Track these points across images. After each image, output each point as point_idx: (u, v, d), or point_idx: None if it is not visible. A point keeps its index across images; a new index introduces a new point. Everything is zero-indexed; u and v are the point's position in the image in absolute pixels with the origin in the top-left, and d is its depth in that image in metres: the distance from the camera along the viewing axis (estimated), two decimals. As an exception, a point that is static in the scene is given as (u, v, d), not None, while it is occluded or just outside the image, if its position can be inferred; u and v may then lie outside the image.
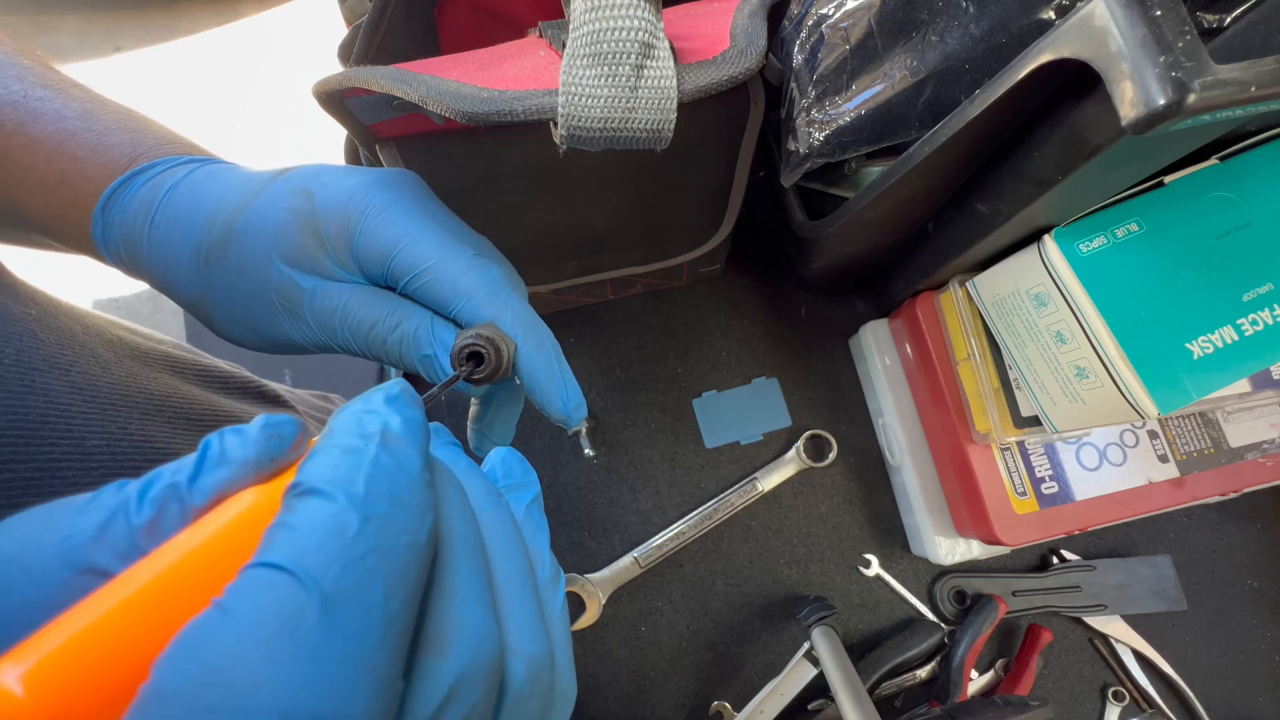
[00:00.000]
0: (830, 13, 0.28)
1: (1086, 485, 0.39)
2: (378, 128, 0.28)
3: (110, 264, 0.25)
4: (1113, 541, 0.46)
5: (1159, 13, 0.17)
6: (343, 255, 0.23)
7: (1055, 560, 0.46)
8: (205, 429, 0.31)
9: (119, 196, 0.24)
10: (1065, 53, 0.19)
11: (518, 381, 0.24)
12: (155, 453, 0.28)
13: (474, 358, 0.21)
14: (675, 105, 0.22)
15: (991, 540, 0.39)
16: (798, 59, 0.29)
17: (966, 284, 0.38)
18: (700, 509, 0.46)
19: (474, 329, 0.22)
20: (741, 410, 0.48)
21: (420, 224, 0.22)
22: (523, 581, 0.16)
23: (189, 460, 0.13)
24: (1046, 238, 0.31)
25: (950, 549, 0.43)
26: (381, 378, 1.21)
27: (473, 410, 0.27)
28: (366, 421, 0.14)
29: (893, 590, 0.46)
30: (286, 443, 0.14)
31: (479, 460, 0.22)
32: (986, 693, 0.44)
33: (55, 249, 0.28)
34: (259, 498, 0.13)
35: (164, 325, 1.21)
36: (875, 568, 0.46)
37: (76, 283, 1.13)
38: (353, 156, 0.33)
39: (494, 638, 0.14)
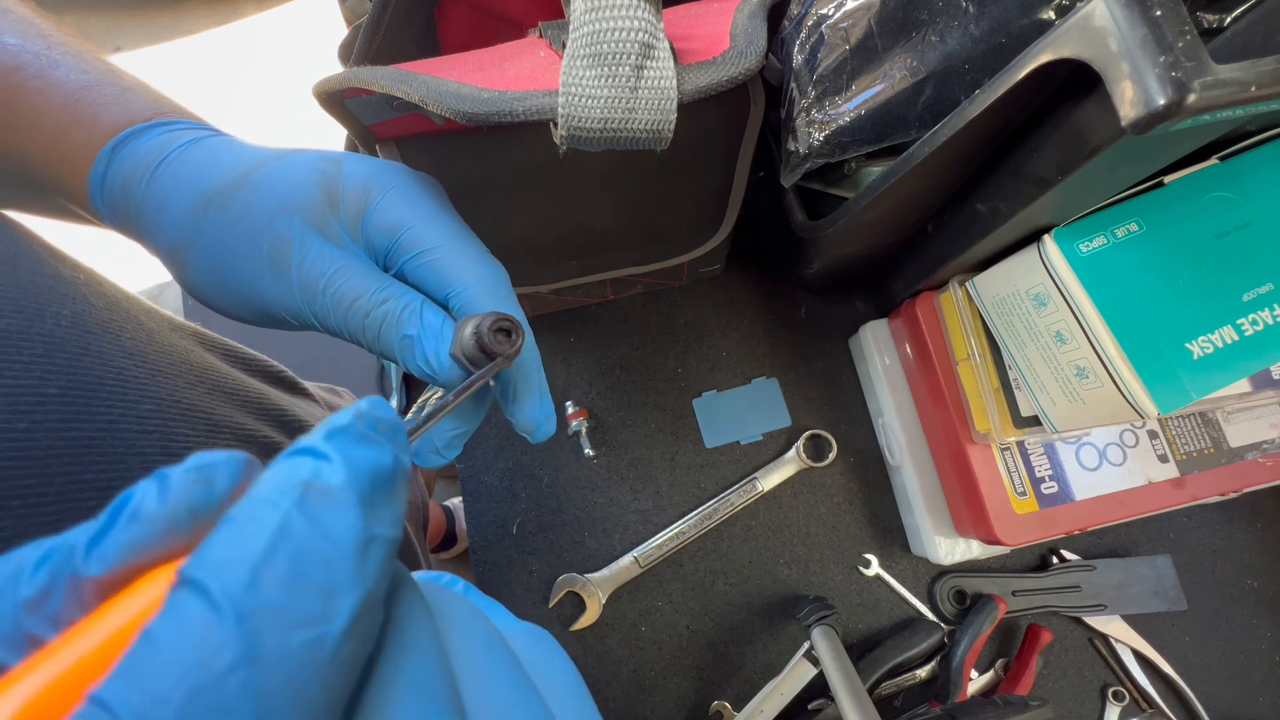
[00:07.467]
0: (830, 13, 0.28)
1: (1086, 485, 0.39)
2: (378, 128, 0.28)
3: (93, 210, 0.25)
4: (1113, 541, 0.47)
5: (1159, 13, 0.17)
6: (353, 223, 0.23)
7: (1055, 560, 0.46)
8: (240, 404, 0.32)
9: (133, 139, 0.24)
10: (1065, 53, 0.19)
11: (491, 384, 0.23)
12: (201, 421, 0.28)
13: (503, 334, 0.20)
14: (675, 106, 0.22)
15: (991, 540, 0.39)
16: (798, 59, 0.29)
17: (966, 284, 0.38)
18: (700, 509, 0.46)
19: (489, 312, 0.21)
20: (741, 410, 0.48)
21: (438, 213, 0.23)
22: (489, 642, 0.14)
23: (100, 516, 0.11)
24: (1046, 238, 0.31)
25: (950, 549, 0.43)
26: (381, 377, 1.21)
27: (424, 415, 0.26)
28: (294, 470, 0.11)
29: (893, 590, 0.46)
30: (216, 491, 0.11)
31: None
32: (986, 693, 0.44)
33: (38, 210, 0.28)
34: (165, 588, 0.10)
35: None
36: (875, 568, 0.46)
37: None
38: (353, 157, 0.33)
39: None
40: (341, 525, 0.10)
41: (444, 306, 0.23)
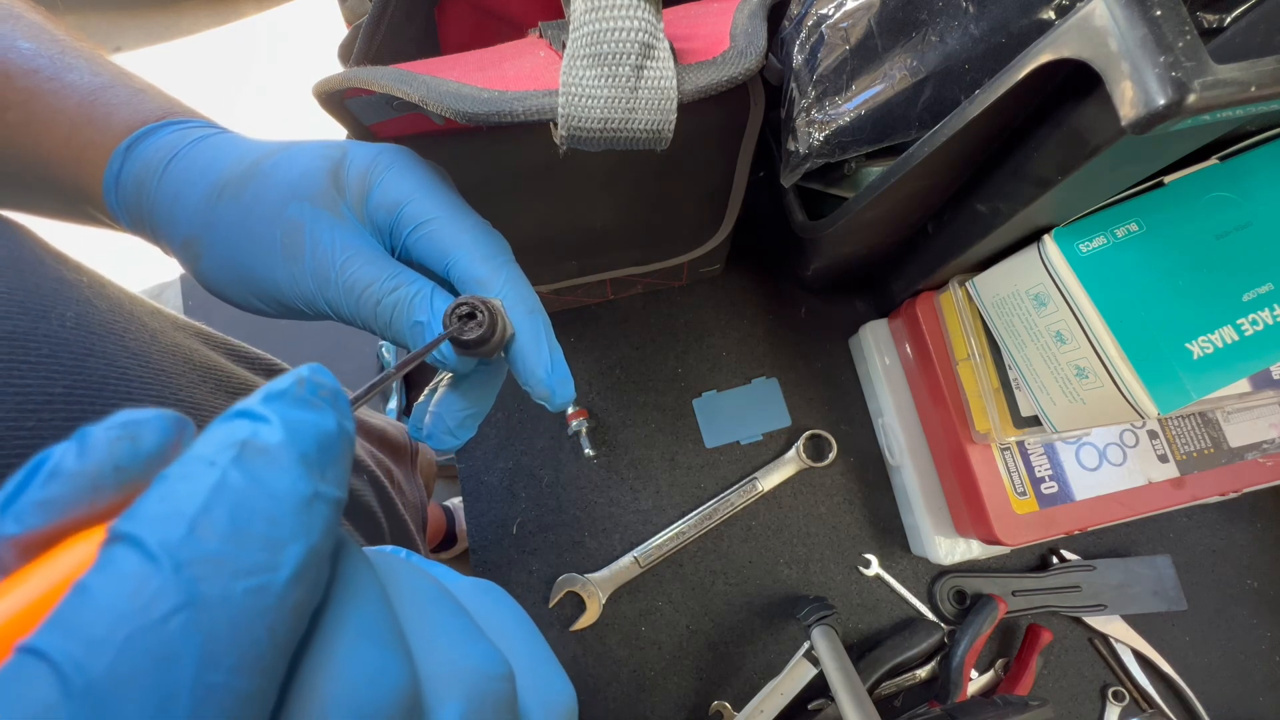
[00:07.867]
0: (830, 13, 0.28)
1: (1086, 485, 0.39)
2: (378, 128, 0.28)
3: (108, 210, 0.25)
4: (1113, 541, 0.46)
5: (1159, 13, 0.17)
6: (358, 203, 0.23)
7: (1055, 560, 0.46)
8: None
9: (146, 138, 0.24)
10: (1065, 53, 0.19)
11: (502, 355, 0.23)
12: (206, 419, 0.28)
13: (468, 318, 0.21)
14: (675, 106, 0.22)
15: (991, 540, 0.39)
16: (798, 59, 0.29)
17: (966, 284, 0.38)
18: (700, 509, 0.46)
19: (473, 295, 0.21)
20: (741, 410, 0.48)
21: (434, 188, 0.23)
22: (435, 595, 0.14)
23: (16, 475, 0.10)
24: (1046, 238, 0.31)
25: (950, 549, 0.43)
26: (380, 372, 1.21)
27: (437, 395, 0.25)
28: (232, 430, 0.10)
29: (893, 590, 0.46)
30: (143, 448, 0.11)
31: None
32: (986, 693, 0.44)
33: (52, 212, 0.28)
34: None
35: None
36: (875, 568, 0.46)
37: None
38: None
39: (394, 672, 0.11)
40: (282, 482, 0.10)
41: (446, 282, 0.23)
